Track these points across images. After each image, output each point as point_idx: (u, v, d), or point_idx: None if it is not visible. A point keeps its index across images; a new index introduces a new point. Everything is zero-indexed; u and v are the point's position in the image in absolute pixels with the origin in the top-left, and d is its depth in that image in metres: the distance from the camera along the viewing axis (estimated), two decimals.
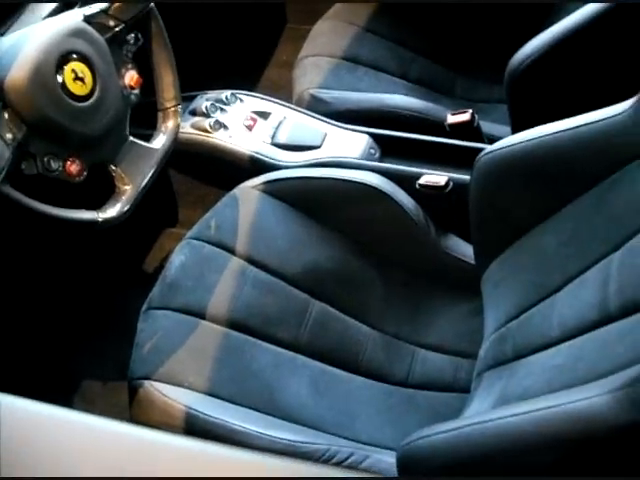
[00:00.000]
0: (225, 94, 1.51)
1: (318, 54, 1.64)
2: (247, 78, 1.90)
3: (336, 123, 1.47)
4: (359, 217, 1.28)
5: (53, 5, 1.26)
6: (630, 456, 0.66)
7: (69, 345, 1.55)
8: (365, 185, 1.26)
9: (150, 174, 1.17)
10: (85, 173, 1.09)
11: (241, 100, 1.52)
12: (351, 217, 1.28)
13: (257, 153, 1.42)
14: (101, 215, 1.09)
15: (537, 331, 0.96)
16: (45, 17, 1.24)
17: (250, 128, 1.47)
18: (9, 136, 0.98)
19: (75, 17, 1.10)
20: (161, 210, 1.67)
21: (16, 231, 1.40)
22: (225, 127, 1.46)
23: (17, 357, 1.49)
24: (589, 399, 0.65)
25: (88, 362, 1.53)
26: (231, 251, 1.24)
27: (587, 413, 0.65)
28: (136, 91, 1.17)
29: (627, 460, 0.67)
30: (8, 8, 1.23)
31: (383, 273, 1.26)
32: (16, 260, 1.52)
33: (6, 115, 0.99)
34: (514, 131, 1.23)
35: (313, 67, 1.61)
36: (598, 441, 0.66)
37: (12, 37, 1.06)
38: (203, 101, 1.50)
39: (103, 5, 1.13)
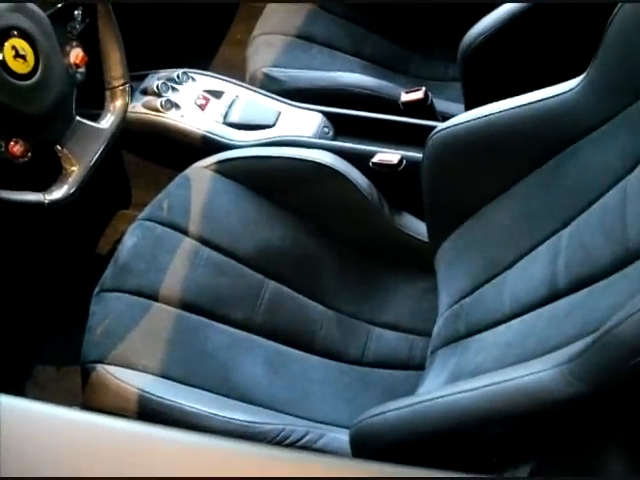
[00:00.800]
0: (177, 73, 1.49)
1: (271, 32, 1.62)
2: (200, 57, 1.87)
3: (289, 102, 1.45)
4: (312, 196, 1.27)
5: None
6: (575, 428, 0.67)
7: (21, 329, 1.52)
8: (318, 164, 1.25)
9: (98, 154, 1.14)
10: (29, 154, 1.06)
11: (193, 79, 1.50)
12: (304, 196, 1.27)
13: (210, 133, 1.40)
14: (47, 197, 1.06)
15: (489, 308, 0.97)
16: None
17: (202, 107, 1.45)
18: None
19: None
20: (113, 191, 1.64)
21: None
22: (177, 106, 1.44)
23: None
24: (536, 374, 0.66)
25: (41, 346, 1.51)
26: (184, 232, 1.22)
27: (534, 387, 0.65)
28: (82, 70, 1.14)
29: (572, 432, 0.68)
30: None
31: (337, 252, 1.25)
32: None
33: None
34: (467, 109, 1.23)
35: (266, 45, 1.59)
36: (545, 414, 0.67)
37: None
38: (154, 80, 1.47)
39: None
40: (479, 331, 0.97)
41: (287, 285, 1.21)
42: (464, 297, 1.05)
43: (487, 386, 0.70)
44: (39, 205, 1.05)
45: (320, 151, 1.28)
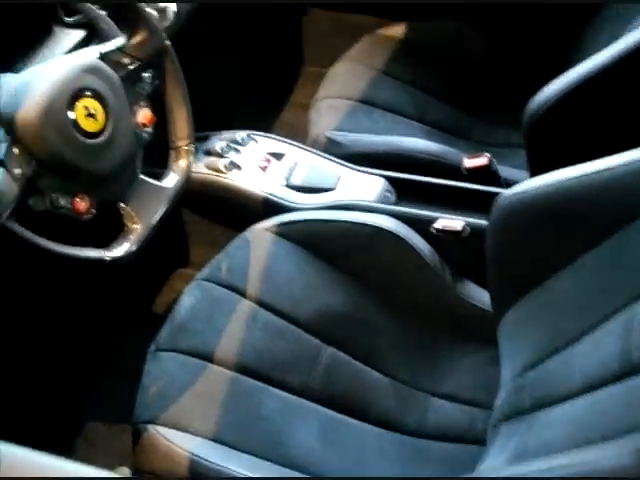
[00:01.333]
0: (240, 135, 1.51)
1: (335, 96, 1.63)
2: (263, 119, 1.90)
3: (351, 165, 1.46)
4: (373, 261, 1.25)
5: (71, 43, 1.26)
6: None
7: (75, 386, 1.52)
8: (379, 228, 1.24)
9: (160, 213, 1.15)
10: (94, 211, 1.07)
11: (256, 141, 1.52)
12: (365, 261, 1.26)
13: (271, 195, 1.40)
14: (108, 254, 1.07)
15: (556, 382, 0.93)
16: (71, 48, 1.25)
17: (264, 169, 1.46)
18: (17, 171, 0.96)
19: (91, 54, 1.09)
20: (173, 250, 1.65)
21: (22, 269, 1.39)
22: (239, 168, 1.45)
23: (22, 397, 1.47)
24: (614, 458, 0.61)
25: (94, 404, 1.50)
26: (242, 294, 1.21)
27: (612, 472, 0.61)
28: (149, 129, 1.16)
29: None
30: (25, 45, 1.23)
31: (397, 318, 1.23)
32: (21, 299, 1.51)
33: (16, 150, 0.98)
34: (533, 176, 1.21)
35: (329, 109, 1.61)
36: None
37: (26, 73, 1.05)
38: (218, 141, 1.49)
39: (119, 42, 1.12)
40: (545, 406, 0.92)
41: (344, 351, 1.19)
42: (528, 369, 1.00)
43: (559, 468, 0.66)
44: (100, 262, 1.05)
45: (381, 215, 1.27)
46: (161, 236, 1.22)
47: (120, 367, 1.48)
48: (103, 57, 1.09)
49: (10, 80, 1.06)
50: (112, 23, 1.14)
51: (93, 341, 1.58)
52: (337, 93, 1.64)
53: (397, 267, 1.24)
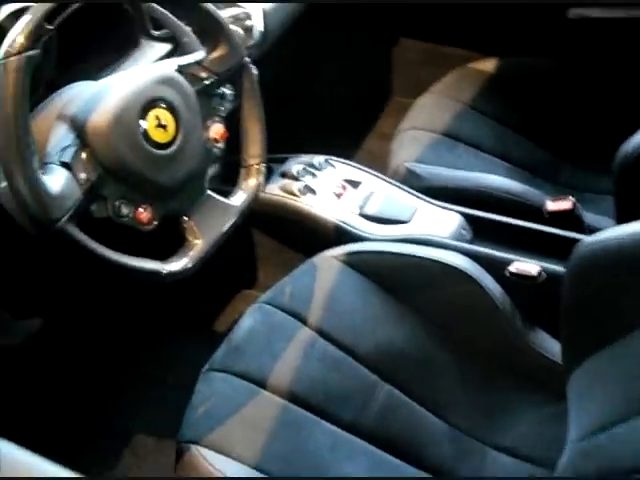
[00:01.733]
0: (318, 159, 1.49)
1: (419, 128, 1.60)
2: (344, 145, 1.87)
3: (428, 199, 1.42)
4: (442, 299, 1.20)
5: (156, 55, 1.28)
6: None
7: (128, 398, 1.52)
8: (451, 267, 1.19)
9: (223, 231, 1.13)
10: (155, 222, 1.05)
11: (334, 167, 1.50)
12: (433, 298, 1.21)
13: (343, 222, 1.38)
14: (166, 267, 1.05)
15: (626, 452, 0.85)
16: (156, 60, 1.26)
17: (339, 196, 1.43)
18: (83, 176, 0.96)
19: (169, 66, 1.09)
20: (240, 270, 1.64)
21: (77, 276, 1.39)
22: (314, 192, 1.43)
23: (73, 406, 1.48)
24: None
25: (145, 418, 1.50)
26: (303, 320, 1.18)
27: None
28: (220, 145, 1.15)
29: None
30: (110, 55, 1.25)
31: (461, 361, 1.17)
32: (75, 307, 1.52)
33: (83, 155, 0.98)
34: (619, 224, 1.14)
35: (412, 140, 1.57)
36: None
37: (103, 81, 1.06)
38: (295, 164, 1.48)
39: (199, 56, 1.12)
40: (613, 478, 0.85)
41: (402, 390, 1.14)
42: (597, 433, 0.93)
43: None
44: (156, 274, 1.04)
45: (454, 253, 1.22)
46: (229, 255, 1.21)
47: (176, 383, 1.47)
48: (181, 70, 1.08)
49: (88, 87, 1.07)
50: (194, 37, 1.14)
51: (151, 354, 1.58)
52: (422, 125, 1.60)
53: (466, 308, 1.18)
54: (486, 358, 1.17)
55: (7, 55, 0.88)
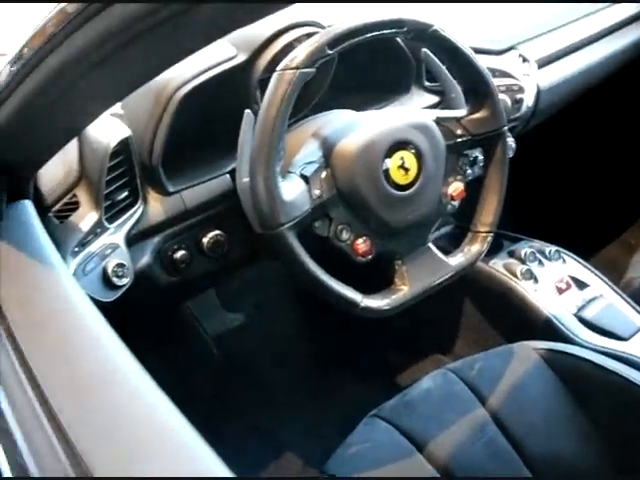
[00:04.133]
0: (550, 249, 1.44)
1: None
2: (582, 243, 1.79)
3: None
4: (632, 425, 1.10)
5: (422, 104, 1.31)
6: None
7: (285, 416, 1.55)
8: None
9: (431, 286, 1.12)
10: (370, 257, 1.07)
11: (564, 260, 1.43)
12: (629, 428, 1.10)
13: (556, 318, 1.31)
14: (365, 301, 1.06)
15: None
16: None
17: (560, 291, 1.37)
18: (317, 192, 1.01)
19: (428, 115, 1.11)
20: (437, 330, 1.62)
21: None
22: (535, 280, 1.38)
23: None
24: None
25: (291, 443, 1.52)
26: (482, 400, 1.14)
27: None
28: (455, 203, 1.15)
29: None
30: (379, 93, 1.30)
31: None
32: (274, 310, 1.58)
33: (324, 174, 1.03)
34: None
35: None
36: None
37: (363, 113, 1.11)
38: (526, 247, 1.45)
39: (459, 113, 1.13)
40: None
41: None
42: None
43: None
44: (352, 304, 1.05)
45: None
46: (431, 312, 1.19)
47: (335, 415, 1.48)
48: (438, 121, 1.10)
49: (348, 115, 1.12)
50: (461, 94, 1.15)
51: (319, 382, 1.60)
52: None
53: None
54: None
55: (285, 68, 0.96)
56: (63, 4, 0.59)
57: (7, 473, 0.63)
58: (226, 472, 0.52)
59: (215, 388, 1.60)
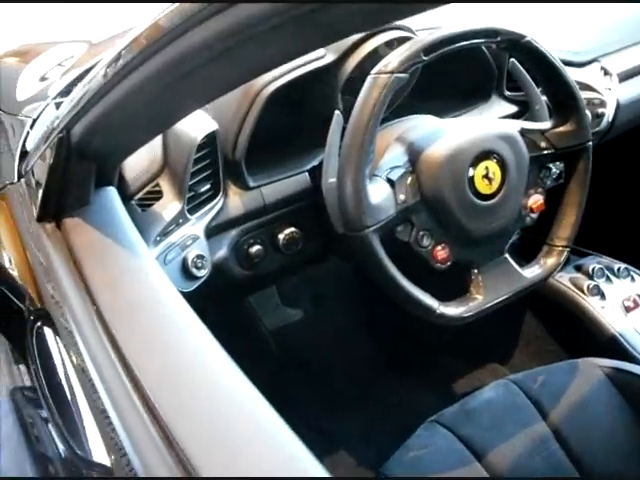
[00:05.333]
0: (619, 266, 1.43)
1: None
2: None
3: None
4: None
5: (501, 113, 1.31)
6: None
7: (343, 415, 1.56)
8: None
9: (505, 297, 1.12)
10: (449, 264, 1.08)
11: (633, 279, 1.42)
12: None
13: (621, 336, 1.30)
14: (442, 308, 1.06)
15: None
16: (499, 117, 1.30)
17: (628, 310, 1.36)
18: (402, 197, 1.02)
19: (513, 125, 1.11)
20: (499, 342, 1.61)
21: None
22: (603, 296, 1.37)
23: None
24: None
25: (353, 445, 1.53)
26: (544, 414, 1.13)
27: None
28: (534, 215, 1.14)
29: None
30: (460, 100, 1.30)
31: None
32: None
33: (409, 179, 1.03)
34: None
35: None
36: None
37: (449, 121, 1.11)
38: (594, 262, 1.43)
39: (544, 126, 1.13)
40: None
41: None
42: None
43: None
44: (428, 311, 1.06)
45: None
46: (496, 323, 1.19)
47: (395, 423, 1.49)
48: (523, 133, 1.10)
49: (432, 121, 1.13)
50: (546, 107, 1.14)
51: (381, 384, 1.61)
52: None
53: None
54: None
55: (380, 72, 0.97)
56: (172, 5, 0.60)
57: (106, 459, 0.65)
58: (324, 472, 0.53)
59: (272, 384, 1.62)
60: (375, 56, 1.07)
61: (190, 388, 0.63)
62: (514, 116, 1.32)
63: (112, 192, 0.96)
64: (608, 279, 1.40)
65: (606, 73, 1.44)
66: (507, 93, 1.35)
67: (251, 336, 1.71)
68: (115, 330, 0.72)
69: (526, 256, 1.22)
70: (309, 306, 1.76)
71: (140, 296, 0.78)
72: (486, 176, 1.05)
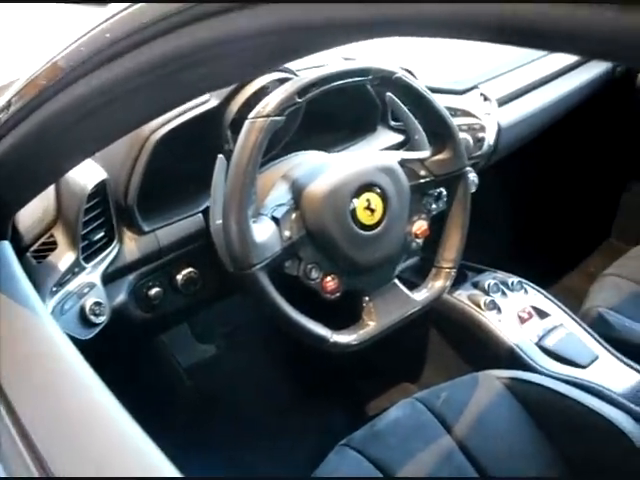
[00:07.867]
0: (512, 279, 1.49)
1: (624, 276, 1.55)
2: (543, 274, 1.85)
3: (613, 351, 1.36)
4: (597, 457, 1.14)
5: (388, 143, 1.36)
6: None
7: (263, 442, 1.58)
8: (615, 426, 1.12)
9: (397, 321, 1.17)
10: (338, 294, 1.11)
11: (526, 291, 1.49)
12: (584, 449, 1.15)
13: (518, 347, 1.36)
14: (334, 337, 1.10)
15: None
16: (386, 147, 1.35)
17: (523, 321, 1.42)
18: (287, 234, 1.05)
19: (392, 157, 1.16)
20: (406, 361, 1.66)
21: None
22: (499, 310, 1.43)
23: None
24: None
25: (275, 471, 1.54)
26: (448, 429, 1.18)
27: None
28: (419, 241, 1.20)
29: None
30: (347, 133, 1.35)
31: None
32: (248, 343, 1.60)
33: (294, 215, 1.07)
34: None
35: (613, 287, 1.52)
36: None
37: (332, 155, 1.15)
38: (489, 278, 1.49)
39: (423, 155, 1.18)
40: None
41: None
42: None
43: None
44: (322, 340, 1.09)
45: (621, 413, 1.16)
46: (400, 343, 1.22)
47: (313, 449, 1.51)
48: (403, 163, 1.15)
49: (317, 157, 1.17)
50: (425, 136, 1.20)
51: (293, 410, 1.63)
52: (627, 274, 1.55)
53: (620, 470, 1.11)
54: None
55: (256, 116, 1.00)
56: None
57: None
58: None
59: (187, 419, 1.62)
60: (257, 97, 1.10)
61: (77, 439, 0.64)
62: (401, 144, 1.37)
63: (5, 247, 0.95)
64: (503, 293, 1.47)
65: (486, 99, 1.51)
66: (392, 123, 1.40)
67: (164, 373, 1.71)
68: (8, 389, 0.72)
69: (421, 276, 1.27)
70: (222, 341, 1.77)
71: (33, 352, 0.78)
72: (368, 207, 1.09)
